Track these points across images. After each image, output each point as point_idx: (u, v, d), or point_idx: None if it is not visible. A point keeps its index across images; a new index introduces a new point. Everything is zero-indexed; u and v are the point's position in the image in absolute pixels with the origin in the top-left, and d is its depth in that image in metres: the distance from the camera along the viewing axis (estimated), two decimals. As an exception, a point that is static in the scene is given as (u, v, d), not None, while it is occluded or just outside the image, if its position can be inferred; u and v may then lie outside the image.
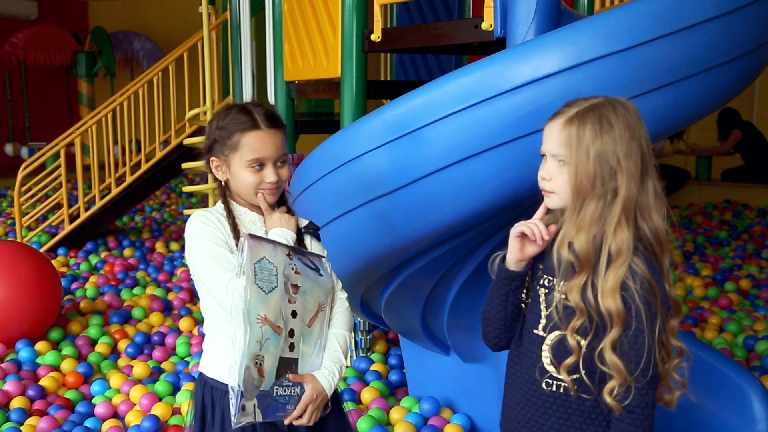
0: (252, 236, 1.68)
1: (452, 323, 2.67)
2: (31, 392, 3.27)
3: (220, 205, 1.83)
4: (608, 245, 1.43)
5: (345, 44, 3.39)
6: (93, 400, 3.29)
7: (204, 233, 1.75)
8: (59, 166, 5.81)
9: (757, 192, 7.67)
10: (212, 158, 1.80)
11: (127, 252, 5.81)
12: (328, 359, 1.81)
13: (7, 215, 7.24)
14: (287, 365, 1.74)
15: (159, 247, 6.00)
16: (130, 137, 6.05)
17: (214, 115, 1.83)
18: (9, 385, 3.28)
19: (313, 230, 1.90)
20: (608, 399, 1.45)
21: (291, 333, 1.74)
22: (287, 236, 1.76)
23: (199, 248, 1.74)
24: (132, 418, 3.06)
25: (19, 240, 5.58)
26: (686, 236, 6.26)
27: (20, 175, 5.69)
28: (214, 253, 1.73)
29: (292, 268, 1.74)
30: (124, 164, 6.11)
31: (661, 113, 2.00)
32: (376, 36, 3.24)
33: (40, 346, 3.76)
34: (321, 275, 1.81)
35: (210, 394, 1.80)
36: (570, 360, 1.47)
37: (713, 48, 1.99)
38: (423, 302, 2.62)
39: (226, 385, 1.69)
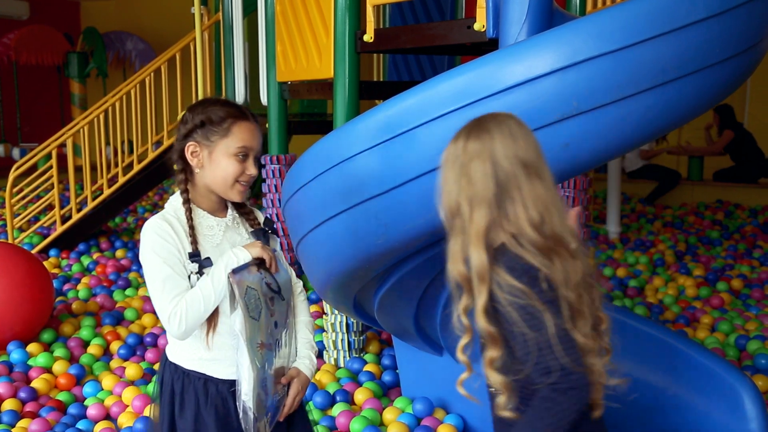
0: (233, 272, 1.71)
1: (445, 324, 2.67)
2: (22, 394, 3.26)
3: (177, 206, 1.79)
4: (473, 269, 1.45)
5: (338, 45, 3.39)
6: (85, 402, 3.28)
7: (161, 250, 1.71)
8: (51, 167, 5.78)
9: (749, 192, 7.71)
10: (191, 143, 1.77)
11: (119, 253, 5.79)
12: (303, 347, 1.88)
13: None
14: (281, 372, 1.82)
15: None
16: (122, 138, 6.03)
17: (193, 106, 1.81)
18: (0, 387, 3.26)
19: (270, 225, 1.90)
20: (506, 414, 1.47)
21: (278, 344, 1.79)
22: (246, 255, 1.76)
23: (152, 267, 1.72)
24: (124, 420, 3.05)
25: (10, 241, 5.56)
26: (678, 236, 6.28)
27: (12, 176, 5.66)
28: (165, 276, 1.70)
29: (266, 283, 1.77)
30: (117, 165, 6.09)
31: (653, 113, 2.00)
32: (368, 37, 3.23)
33: (32, 347, 3.75)
34: (280, 272, 1.84)
35: (180, 379, 1.81)
36: (464, 375, 1.58)
37: (705, 48, 1.99)
38: (416, 303, 2.62)
39: (196, 372, 1.77)
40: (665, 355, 2.80)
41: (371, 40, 3.23)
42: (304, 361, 1.88)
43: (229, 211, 1.86)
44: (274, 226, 1.92)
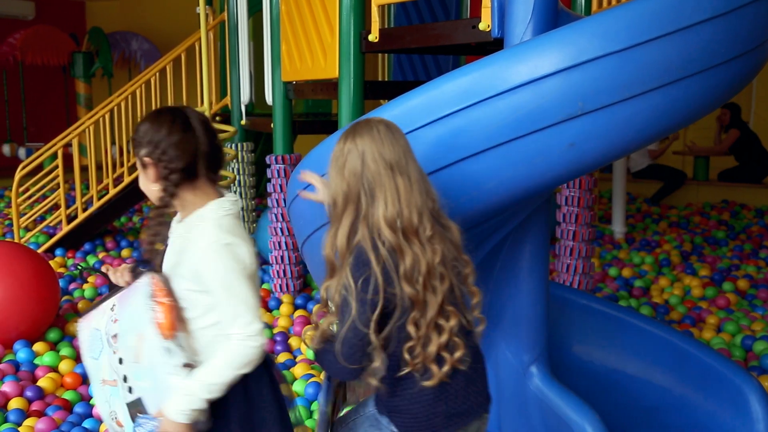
0: (83, 318, 1.83)
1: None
2: (29, 393, 3.27)
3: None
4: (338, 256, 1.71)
5: (342, 45, 3.40)
6: (91, 401, 3.28)
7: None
8: (57, 166, 5.80)
9: (755, 192, 7.68)
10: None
11: (125, 252, 5.81)
12: (184, 384, 1.71)
13: (4, 216, 7.23)
14: (135, 406, 1.77)
15: (158, 246, 5.98)
16: (127, 138, 6.04)
17: (200, 115, 1.80)
18: (7, 386, 3.28)
19: (144, 263, 1.85)
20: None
21: (125, 378, 1.77)
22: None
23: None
24: None
25: (16, 240, 5.58)
26: (684, 236, 6.27)
27: (18, 175, 5.68)
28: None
29: (113, 320, 1.79)
30: (122, 165, 6.11)
31: (659, 113, 2.00)
32: (373, 36, 3.24)
33: (38, 346, 3.76)
34: (131, 308, 1.77)
35: None
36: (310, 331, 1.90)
37: (711, 48, 1.99)
38: (421, 302, 2.62)
39: None
40: (671, 356, 2.80)
41: (376, 40, 3.23)
42: (172, 400, 1.70)
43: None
44: (150, 265, 1.84)
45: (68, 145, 5.92)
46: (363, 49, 3.36)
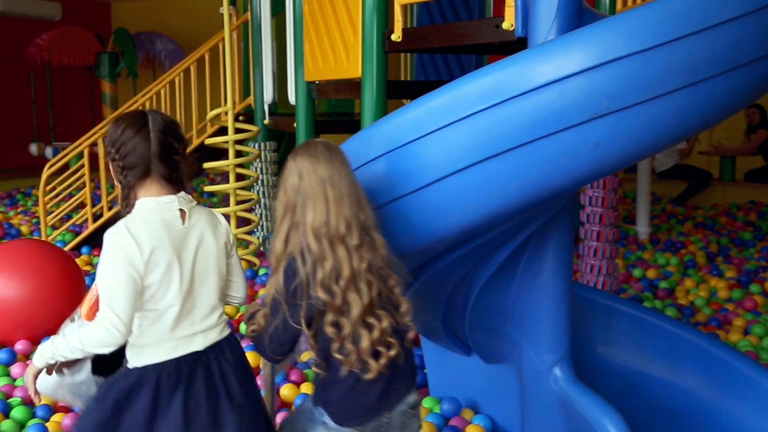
0: None
1: (473, 324, 2.66)
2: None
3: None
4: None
5: (365, 44, 3.40)
6: None
7: None
8: (83, 165, 5.87)
9: (782, 192, 7.58)
10: None
11: (149, 251, 5.85)
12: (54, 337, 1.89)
13: (32, 214, 7.33)
14: None
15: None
16: (152, 137, 6.10)
17: (167, 118, 1.91)
18: (34, 383, 3.31)
19: None
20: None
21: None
22: None
23: None
24: None
25: (43, 239, 5.65)
26: (710, 237, 6.19)
27: (45, 174, 5.76)
28: None
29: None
30: (147, 164, 6.16)
31: (685, 113, 1.98)
32: (396, 36, 3.24)
33: (64, 343, 3.79)
34: None
35: None
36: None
37: (738, 47, 1.96)
38: (444, 302, 2.61)
39: None
40: (697, 358, 2.77)
41: (399, 40, 3.23)
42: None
43: None
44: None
45: (94, 144, 5.98)
46: (386, 48, 3.36)
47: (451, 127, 2.01)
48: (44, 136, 10.41)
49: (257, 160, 5.70)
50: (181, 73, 6.12)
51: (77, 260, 5.32)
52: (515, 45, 2.69)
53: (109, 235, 1.81)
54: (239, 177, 4.88)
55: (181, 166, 1.91)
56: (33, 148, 10.05)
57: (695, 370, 2.78)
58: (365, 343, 1.84)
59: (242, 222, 5.85)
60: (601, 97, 1.91)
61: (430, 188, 2.10)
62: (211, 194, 8.56)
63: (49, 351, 1.84)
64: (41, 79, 10.34)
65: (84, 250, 5.79)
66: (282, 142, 7.19)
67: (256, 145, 5.68)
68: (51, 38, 9.51)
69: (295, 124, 4.58)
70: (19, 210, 7.67)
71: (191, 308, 1.88)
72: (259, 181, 5.82)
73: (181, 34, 10.92)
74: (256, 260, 5.17)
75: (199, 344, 1.88)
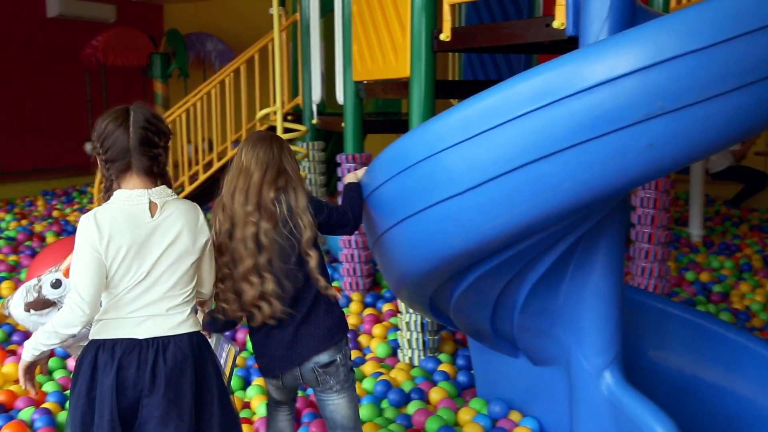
0: None
1: (522, 325, 2.64)
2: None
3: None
4: None
5: (414, 44, 3.40)
6: None
7: None
8: (136, 164, 5.99)
9: (843, 194, 7.33)
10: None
11: (199, 249, 5.95)
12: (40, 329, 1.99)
13: (87, 211, 7.51)
14: None
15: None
16: (202, 136, 6.20)
17: (150, 113, 1.99)
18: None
19: None
20: None
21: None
22: None
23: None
24: None
25: (97, 236, 5.77)
26: (766, 240, 6.03)
27: (100, 173, 5.90)
28: None
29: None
30: (197, 163, 6.26)
31: (741, 114, 1.93)
32: (445, 35, 3.23)
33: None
34: None
35: None
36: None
37: (799, 45, 1.91)
38: (492, 304, 2.60)
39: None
40: (753, 364, 2.71)
41: (448, 39, 3.22)
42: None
43: None
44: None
45: (146, 143, 6.10)
46: (434, 48, 3.36)
47: (501, 127, 1.99)
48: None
49: (305, 159, 5.75)
50: (231, 74, 6.20)
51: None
52: (566, 44, 2.66)
53: (80, 221, 1.96)
54: (287, 176, 4.91)
55: (161, 158, 1.98)
56: (88, 147, 10.29)
57: (751, 375, 2.71)
58: (247, 297, 2.18)
59: (290, 221, 5.91)
60: (655, 97, 1.88)
61: (478, 189, 2.09)
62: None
63: (32, 343, 1.95)
64: (96, 79, 10.59)
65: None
66: (329, 141, 7.23)
67: (304, 144, 5.73)
68: (106, 40, 9.73)
69: (342, 124, 4.60)
70: (75, 207, 7.88)
71: (140, 294, 1.94)
72: (307, 181, 5.87)
73: (230, 34, 11.06)
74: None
75: (142, 333, 1.94)
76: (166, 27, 11.07)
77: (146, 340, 1.93)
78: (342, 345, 2.28)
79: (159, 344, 1.93)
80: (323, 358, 2.23)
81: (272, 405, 2.44)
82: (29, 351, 1.96)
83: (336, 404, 2.29)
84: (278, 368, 2.26)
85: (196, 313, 2.17)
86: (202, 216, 2.06)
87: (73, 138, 9.89)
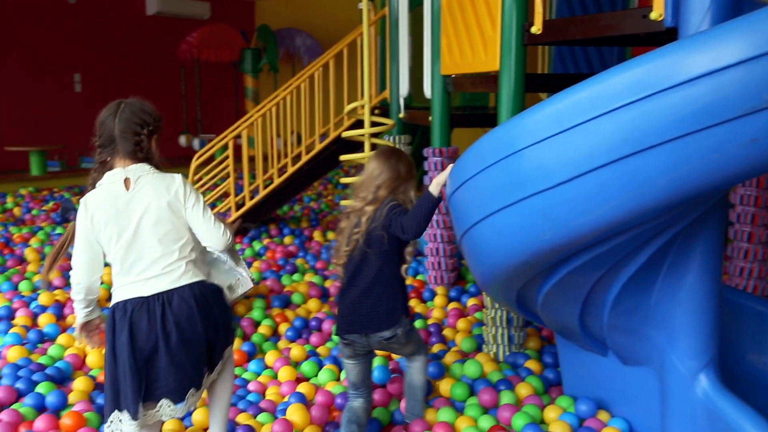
0: None
1: (612, 324, 2.59)
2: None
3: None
4: None
5: (504, 37, 3.36)
6: (245, 375, 3.49)
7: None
8: (227, 157, 6.16)
9: None
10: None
11: (287, 240, 6.09)
12: None
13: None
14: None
15: (317, 236, 6.24)
16: (291, 130, 6.32)
17: (138, 106, 2.28)
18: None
19: None
20: None
21: None
22: None
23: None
24: (272, 397, 3.21)
25: (191, 225, 5.97)
26: None
27: (193, 165, 6.10)
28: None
29: None
30: (286, 156, 6.39)
31: None
32: (536, 28, 3.18)
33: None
34: None
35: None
36: None
37: None
38: (582, 301, 2.55)
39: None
40: None
41: (539, 32, 3.18)
42: None
43: None
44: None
45: (238, 137, 6.27)
46: (525, 41, 3.31)
47: (595, 120, 1.96)
48: (192, 128, 11.03)
49: (392, 153, 5.77)
50: (320, 68, 6.29)
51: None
52: (662, 36, 2.58)
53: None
54: (374, 169, 4.94)
55: (144, 144, 2.27)
56: (182, 140, 10.67)
57: None
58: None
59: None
60: (760, 89, 1.80)
61: (570, 184, 2.06)
62: (346, 186, 8.77)
63: (75, 310, 2.36)
64: (190, 74, 10.95)
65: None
66: (416, 135, 7.25)
67: (391, 138, 5.76)
68: (200, 36, 10.05)
69: (430, 118, 4.61)
70: (169, 198, 8.17)
71: (136, 260, 2.24)
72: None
73: (319, 29, 11.23)
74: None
75: (147, 290, 2.23)
76: (258, 23, 11.33)
77: (152, 296, 2.22)
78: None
79: (164, 298, 2.22)
80: (386, 333, 2.71)
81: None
82: (76, 316, 2.37)
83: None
84: (345, 331, 2.79)
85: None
86: (177, 183, 2.30)
87: (168, 131, 10.25)
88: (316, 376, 3.45)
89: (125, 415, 2.17)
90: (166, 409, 2.23)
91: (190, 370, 2.24)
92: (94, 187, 2.31)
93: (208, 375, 2.36)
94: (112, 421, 2.20)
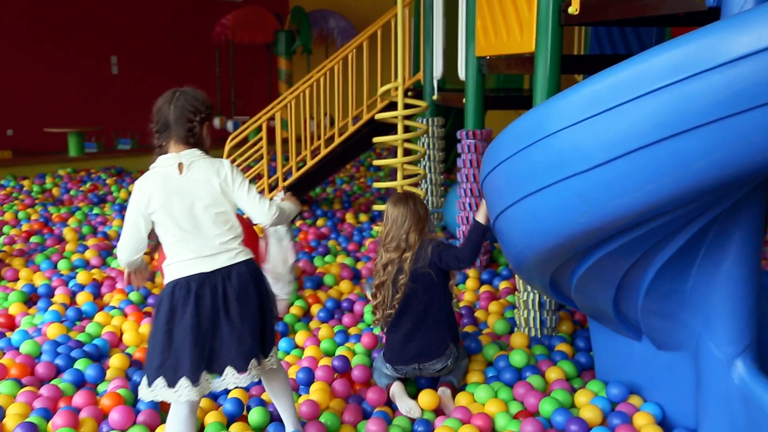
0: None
1: (647, 308, 2.56)
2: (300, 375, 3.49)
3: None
4: None
5: (540, 18, 3.32)
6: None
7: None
8: (261, 138, 6.20)
9: None
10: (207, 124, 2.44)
11: (319, 222, 6.12)
12: None
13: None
14: None
15: (349, 218, 6.26)
16: (324, 112, 6.32)
17: (191, 95, 2.39)
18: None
19: None
20: None
21: None
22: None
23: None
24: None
25: (224, 206, 6.02)
26: None
27: (227, 146, 6.15)
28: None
29: None
30: (319, 138, 6.41)
31: None
32: (573, 9, 3.14)
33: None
34: None
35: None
36: None
37: None
38: (616, 285, 2.53)
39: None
40: None
41: (576, 12, 3.13)
42: None
43: None
44: None
45: (271, 119, 6.30)
46: (562, 21, 3.27)
47: (634, 102, 1.93)
48: (226, 110, 11.09)
49: (424, 135, 5.76)
50: (354, 50, 6.27)
51: (255, 227, 5.64)
52: (703, 16, 2.53)
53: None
54: (406, 152, 4.94)
55: (196, 130, 2.38)
56: (216, 122, 10.73)
57: None
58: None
59: (408, 196, 5.95)
60: None
61: (607, 166, 2.04)
62: (378, 168, 8.77)
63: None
64: (225, 57, 11.00)
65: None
66: (449, 117, 7.22)
67: (424, 120, 5.74)
68: (235, 18, 10.07)
69: (464, 100, 4.58)
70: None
71: (194, 238, 2.36)
72: (426, 157, 5.89)
73: (353, 11, 11.18)
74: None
75: (207, 266, 2.35)
76: (291, 5, 11.32)
77: (212, 272, 2.35)
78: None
79: (224, 274, 2.36)
80: (438, 365, 3.00)
81: None
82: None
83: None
84: (396, 361, 3.07)
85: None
86: (226, 167, 2.41)
87: (203, 113, 10.35)
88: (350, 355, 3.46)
89: (185, 382, 2.31)
90: (230, 378, 2.36)
91: (249, 342, 2.38)
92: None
93: (263, 358, 2.46)
94: (154, 388, 2.34)
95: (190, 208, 2.35)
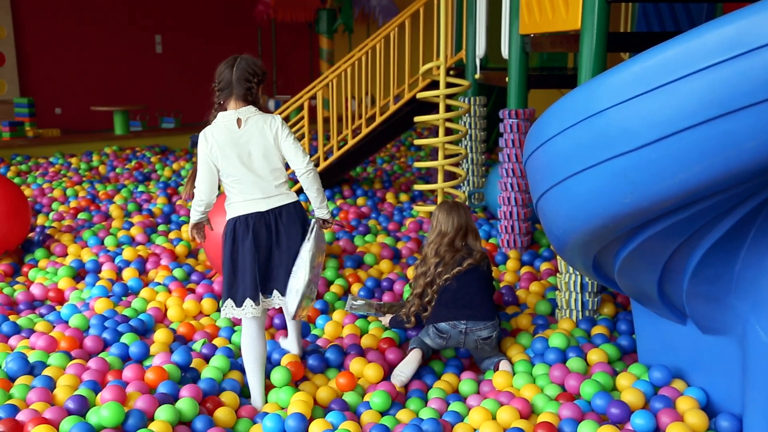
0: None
1: (692, 291, 2.52)
2: (276, 321, 3.63)
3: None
4: None
5: (587, -6, 3.25)
6: (316, 332, 3.58)
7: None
8: (302, 117, 6.21)
9: None
10: (262, 86, 2.84)
11: (360, 201, 6.13)
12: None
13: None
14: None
15: (389, 197, 6.26)
16: (366, 91, 6.31)
17: (251, 60, 2.81)
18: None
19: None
20: None
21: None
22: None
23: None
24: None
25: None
26: None
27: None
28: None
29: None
30: (360, 117, 6.40)
31: None
32: (622, -16, 3.07)
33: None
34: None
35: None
36: None
37: None
38: (661, 267, 2.49)
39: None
40: None
41: (624, -11, 3.06)
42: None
43: None
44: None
45: (312, 98, 6.30)
46: (609, -2, 3.20)
47: (684, 80, 1.88)
48: (267, 89, 11.15)
49: (466, 114, 5.71)
50: (396, 28, 6.23)
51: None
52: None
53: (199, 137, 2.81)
54: (448, 131, 4.91)
55: (254, 90, 2.78)
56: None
57: None
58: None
59: (449, 176, 5.93)
60: None
61: (654, 146, 1.99)
62: (419, 147, 8.74)
63: (191, 214, 2.91)
64: (267, 35, 11.04)
65: (301, 197, 6.16)
66: (491, 96, 7.14)
67: (466, 99, 5.69)
68: (277, -3, 10.09)
69: (506, 79, 4.52)
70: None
71: (252, 181, 2.76)
72: (468, 136, 5.85)
73: (394, -11, 11.10)
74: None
75: (262, 206, 2.77)
76: (333, -17, 11.28)
77: (267, 211, 2.78)
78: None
79: (276, 212, 2.79)
80: (485, 332, 3.12)
81: None
82: (191, 218, 2.93)
83: None
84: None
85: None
86: (277, 122, 2.79)
87: (245, 92, 10.42)
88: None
89: (249, 302, 2.77)
90: (276, 299, 2.82)
91: (289, 271, 2.78)
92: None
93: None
94: (226, 307, 2.82)
95: (248, 157, 2.74)
